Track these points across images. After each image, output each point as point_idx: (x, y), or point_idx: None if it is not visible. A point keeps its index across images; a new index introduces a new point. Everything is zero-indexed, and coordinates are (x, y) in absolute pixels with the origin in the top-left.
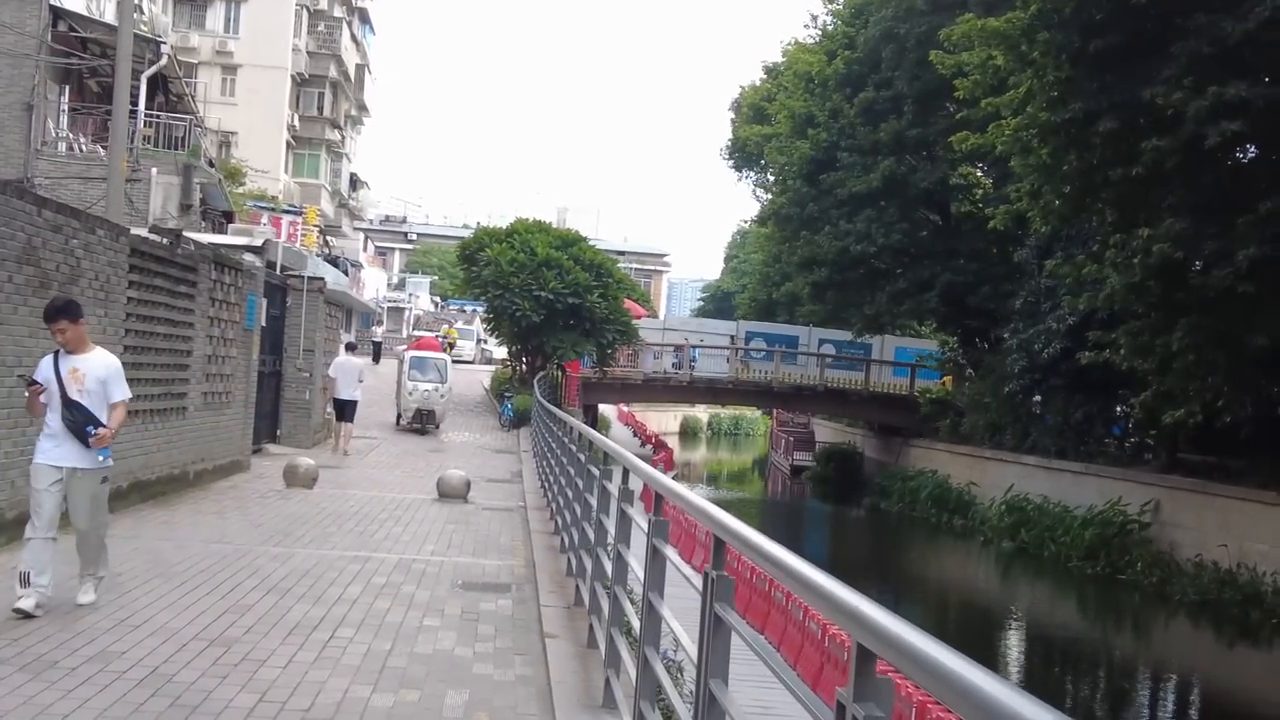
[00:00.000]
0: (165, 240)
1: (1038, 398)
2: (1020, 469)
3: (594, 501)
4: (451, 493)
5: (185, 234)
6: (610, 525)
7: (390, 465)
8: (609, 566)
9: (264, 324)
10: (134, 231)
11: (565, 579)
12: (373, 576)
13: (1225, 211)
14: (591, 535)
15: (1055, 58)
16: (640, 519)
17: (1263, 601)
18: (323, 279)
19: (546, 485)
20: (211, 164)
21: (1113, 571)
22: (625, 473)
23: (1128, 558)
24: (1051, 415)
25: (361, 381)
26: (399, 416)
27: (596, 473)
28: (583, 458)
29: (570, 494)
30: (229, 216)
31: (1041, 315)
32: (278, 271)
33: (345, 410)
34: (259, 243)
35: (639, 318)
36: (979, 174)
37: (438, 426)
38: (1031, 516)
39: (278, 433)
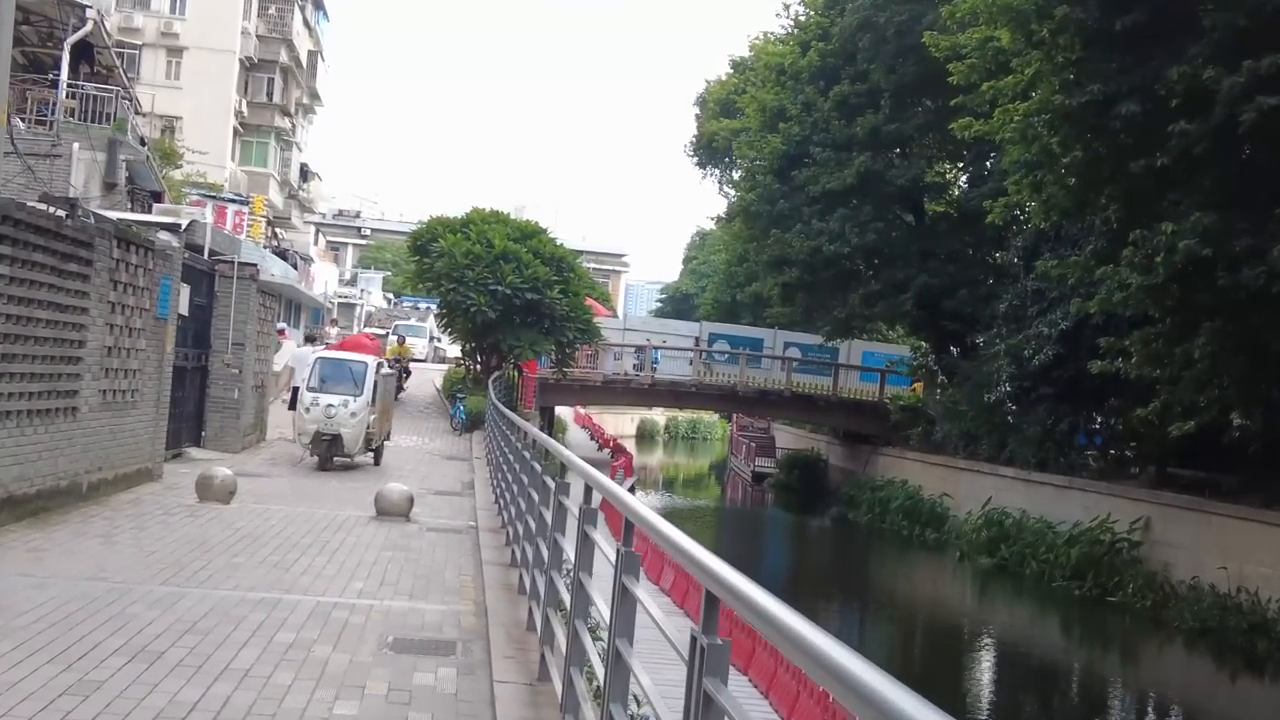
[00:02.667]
0: (54, 210)
1: (1012, 406)
2: (997, 481)
3: (570, 551)
4: (391, 510)
5: (83, 205)
6: (602, 604)
7: (326, 474)
8: (597, 661)
9: (185, 313)
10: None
11: (525, 635)
12: (278, 631)
13: (1258, 205)
14: (567, 599)
15: (1068, 37)
16: (649, 601)
17: (1270, 630)
18: (255, 265)
19: (502, 502)
20: (144, 142)
21: (1101, 593)
22: (628, 527)
23: (1117, 579)
24: (1030, 425)
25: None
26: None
27: (576, 512)
28: (550, 482)
29: (532, 524)
30: (158, 197)
31: (1028, 320)
32: (205, 256)
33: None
34: (184, 223)
35: (600, 317)
36: (954, 171)
37: (375, 460)
38: (1010, 532)
39: (202, 435)
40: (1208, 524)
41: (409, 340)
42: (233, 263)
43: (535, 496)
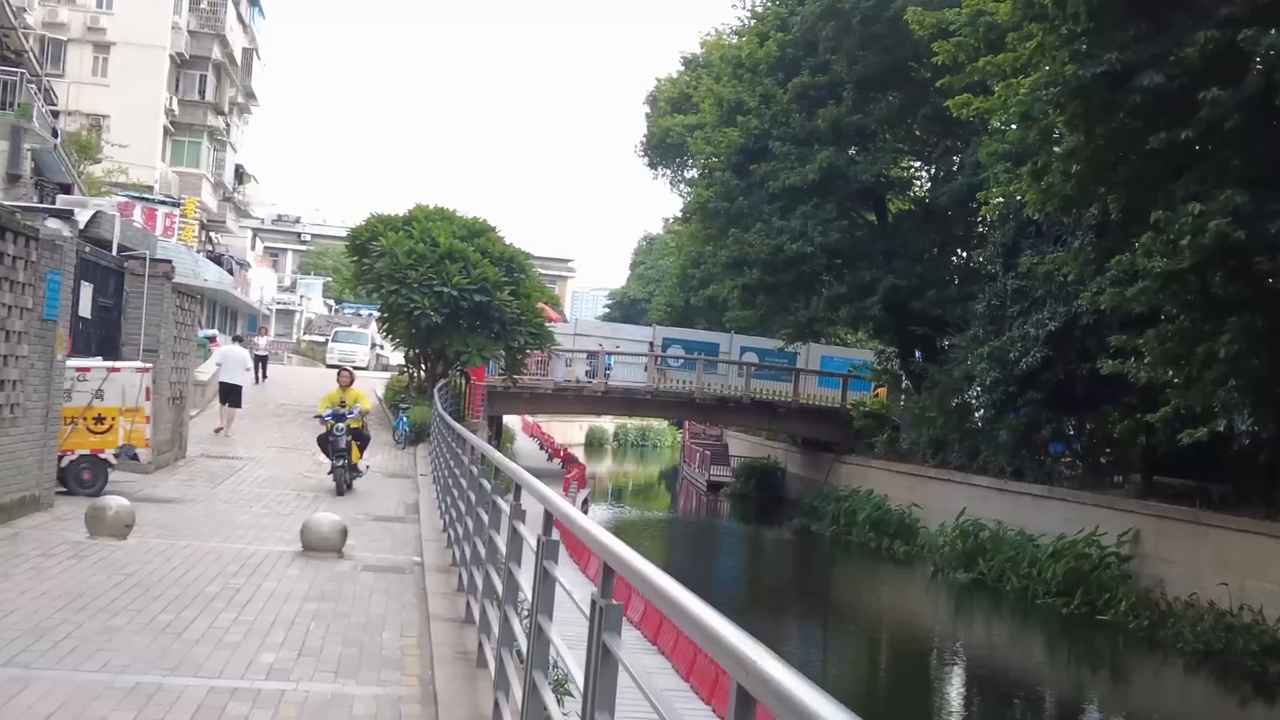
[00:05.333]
0: None
1: (992, 412)
2: (970, 490)
3: (570, 661)
4: (320, 544)
5: None
6: None
7: (250, 496)
8: None
9: (88, 315)
10: None
11: None
12: None
13: None
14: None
15: (1075, 3)
16: None
17: None
18: (169, 262)
19: (452, 534)
20: (56, 132)
21: (1090, 611)
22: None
23: (1107, 595)
24: (1007, 431)
25: (248, 370)
26: None
27: (588, 604)
28: (529, 538)
29: (497, 582)
30: (68, 190)
31: (1008, 321)
32: (113, 252)
33: (231, 395)
34: (85, 213)
35: (551, 322)
36: (917, 169)
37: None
38: (987, 544)
39: None
40: (1204, 537)
41: (350, 353)
42: (144, 259)
43: (501, 546)
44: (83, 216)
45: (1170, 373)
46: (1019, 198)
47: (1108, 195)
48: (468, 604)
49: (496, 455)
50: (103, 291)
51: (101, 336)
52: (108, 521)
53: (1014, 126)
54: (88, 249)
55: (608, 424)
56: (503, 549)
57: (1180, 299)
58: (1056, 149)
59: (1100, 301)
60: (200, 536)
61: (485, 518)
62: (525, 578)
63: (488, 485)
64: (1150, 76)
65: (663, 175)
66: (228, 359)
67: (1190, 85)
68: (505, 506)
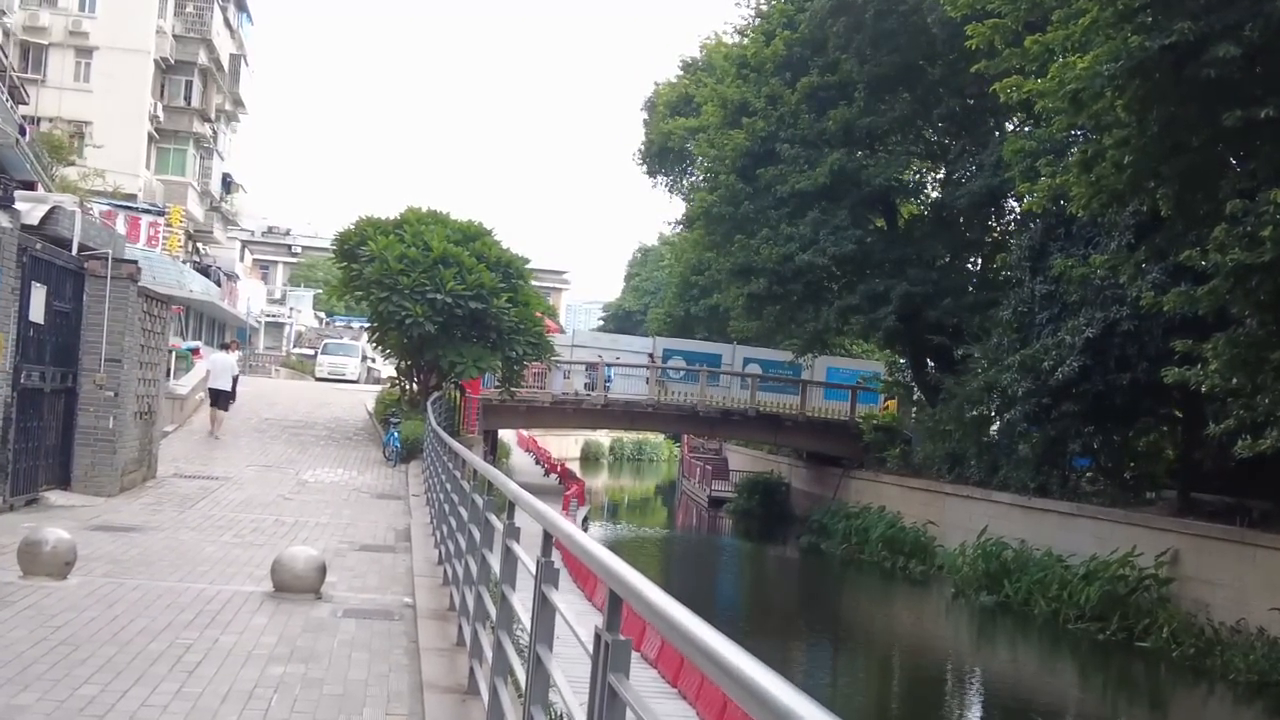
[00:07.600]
0: None
1: (996, 425)
2: (991, 507)
3: None
4: (294, 584)
5: None
6: None
7: (222, 523)
8: None
9: (40, 321)
10: None
11: None
12: None
13: None
14: None
15: None
16: None
17: None
18: (135, 263)
19: (449, 568)
20: (23, 130)
21: (1128, 637)
22: None
23: (1147, 621)
24: (1026, 445)
25: (235, 375)
26: None
27: None
28: (566, 617)
29: (517, 661)
30: (31, 188)
31: (1036, 328)
32: (73, 252)
33: (219, 399)
34: (42, 209)
35: (549, 333)
36: (927, 172)
37: None
38: (1012, 565)
39: (70, 475)
40: (1250, 558)
41: (341, 366)
42: (106, 259)
43: (521, 614)
44: (37, 212)
45: (1236, 380)
46: (1041, 194)
47: (1158, 189)
48: (471, 670)
49: (512, 486)
50: (59, 295)
51: (57, 344)
52: (43, 558)
53: (1054, 119)
54: (39, 246)
55: (604, 438)
56: (525, 620)
57: (1254, 299)
58: (1108, 137)
59: (1164, 303)
60: (155, 575)
61: (493, 565)
62: (562, 670)
63: (497, 524)
64: (1226, 48)
65: (661, 183)
66: (215, 365)
67: (1258, 60)
68: (530, 564)
